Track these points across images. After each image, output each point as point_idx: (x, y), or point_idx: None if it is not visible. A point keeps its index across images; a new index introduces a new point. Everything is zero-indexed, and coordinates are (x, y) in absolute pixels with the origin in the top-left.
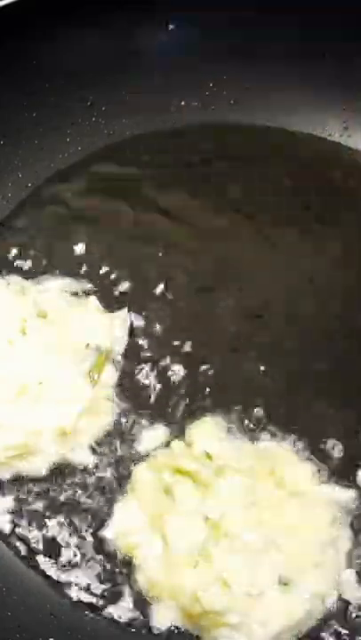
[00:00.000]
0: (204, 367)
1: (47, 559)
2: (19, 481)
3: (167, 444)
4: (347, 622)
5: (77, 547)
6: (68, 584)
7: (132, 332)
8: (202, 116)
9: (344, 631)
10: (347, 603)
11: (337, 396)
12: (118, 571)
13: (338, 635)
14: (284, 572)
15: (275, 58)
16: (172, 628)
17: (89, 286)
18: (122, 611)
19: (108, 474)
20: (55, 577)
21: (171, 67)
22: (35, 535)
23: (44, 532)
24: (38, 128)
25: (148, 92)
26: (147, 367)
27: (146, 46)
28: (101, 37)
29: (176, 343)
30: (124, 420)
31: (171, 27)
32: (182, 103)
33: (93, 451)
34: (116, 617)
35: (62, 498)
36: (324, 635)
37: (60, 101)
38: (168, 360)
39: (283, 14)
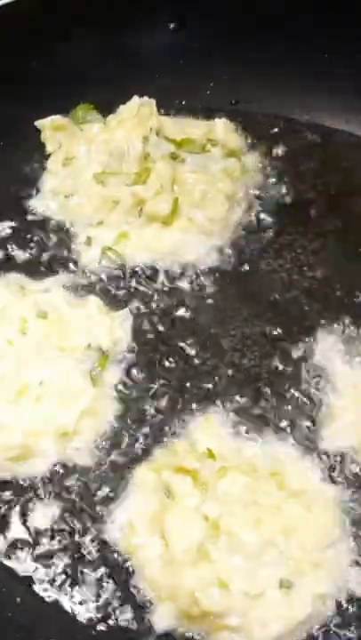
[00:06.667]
0: (205, 366)
1: (47, 559)
2: (19, 481)
3: (168, 444)
4: (347, 623)
5: (77, 547)
6: (69, 585)
7: (134, 331)
8: (202, 117)
9: (344, 632)
10: (347, 603)
11: None
12: (118, 571)
13: (338, 635)
14: (284, 572)
15: (275, 58)
16: (172, 629)
17: (90, 286)
18: (122, 611)
19: (108, 474)
20: (55, 578)
21: (171, 67)
22: (35, 536)
23: (45, 532)
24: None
25: (149, 93)
26: (148, 366)
27: (146, 46)
28: (102, 37)
29: (177, 342)
30: (124, 420)
31: (171, 27)
32: (183, 103)
33: (94, 451)
34: (115, 617)
35: (62, 498)
36: (324, 636)
37: (59, 102)
38: (169, 359)
39: (283, 15)
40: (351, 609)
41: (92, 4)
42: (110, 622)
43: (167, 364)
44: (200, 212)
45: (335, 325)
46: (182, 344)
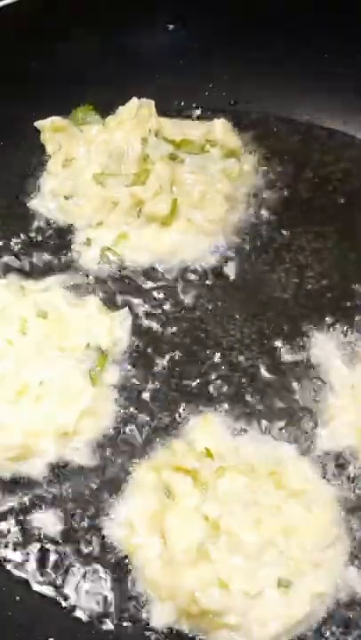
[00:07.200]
0: (204, 365)
1: (47, 559)
2: (19, 481)
3: (167, 444)
4: (346, 622)
5: (77, 546)
6: (68, 584)
7: (133, 331)
8: (201, 117)
9: (343, 631)
10: (346, 603)
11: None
12: (118, 570)
13: (337, 635)
14: (283, 572)
15: (275, 58)
16: (172, 628)
17: (89, 286)
18: (121, 610)
19: (108, 474)
20: (55, 577)
21: (171, 67)
22: (35, 536)
23: (44, 532)
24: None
25: (148, 93)
26: (147, 366)
27: (146, 46)
28: (102, 37)
29: (176, 342)
30: (124, 419)
31: (171, 27)
32: (182, 104)
33: (94, 451)
34: (115, 617)
35: (62, 498)
36: (323, 635)
37: (59, 102)
38: (169, 359)
39: (283, 15)
40: (350, 608)
41: (92, 4)
42: (110, 621)
43: (166, 363)
44: (199, 213)
45: (334, 325)
46: (181, 344)
